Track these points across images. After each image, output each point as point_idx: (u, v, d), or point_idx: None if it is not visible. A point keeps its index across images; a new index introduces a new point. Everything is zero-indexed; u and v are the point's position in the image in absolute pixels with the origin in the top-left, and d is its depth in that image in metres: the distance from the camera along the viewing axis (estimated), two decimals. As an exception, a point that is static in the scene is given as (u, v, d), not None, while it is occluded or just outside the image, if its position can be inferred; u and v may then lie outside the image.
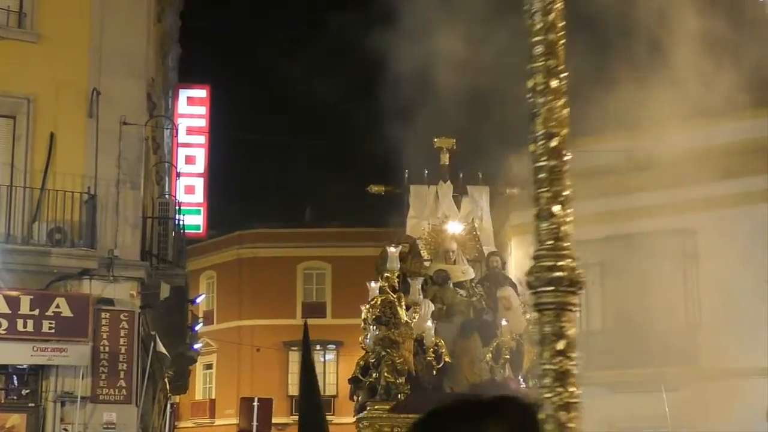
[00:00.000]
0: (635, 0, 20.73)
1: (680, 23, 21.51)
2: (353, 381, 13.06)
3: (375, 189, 14.61)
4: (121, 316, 19.39)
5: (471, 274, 13.78)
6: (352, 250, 38.78)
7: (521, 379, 13.03)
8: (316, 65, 62.93)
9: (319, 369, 41.99)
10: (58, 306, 18.88)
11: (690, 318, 25.94)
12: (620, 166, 27.42)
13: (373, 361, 12.54)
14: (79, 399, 18.73)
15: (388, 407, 12.21)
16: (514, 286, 13.60)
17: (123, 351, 19.29)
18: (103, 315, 19.29)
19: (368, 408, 12.46)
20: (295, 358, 44.00)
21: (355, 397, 13.14)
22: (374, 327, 12.59)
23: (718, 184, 25.65)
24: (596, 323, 26.62)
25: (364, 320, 12.85)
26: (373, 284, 13.22)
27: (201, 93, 29.18)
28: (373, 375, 12.63)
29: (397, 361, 12.08)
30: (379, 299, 12.62)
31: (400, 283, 12.84)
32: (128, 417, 19.32)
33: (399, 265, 12.69)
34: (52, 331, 18.75)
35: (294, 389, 43.67)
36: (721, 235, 25.77)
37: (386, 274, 12.78)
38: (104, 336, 19.23)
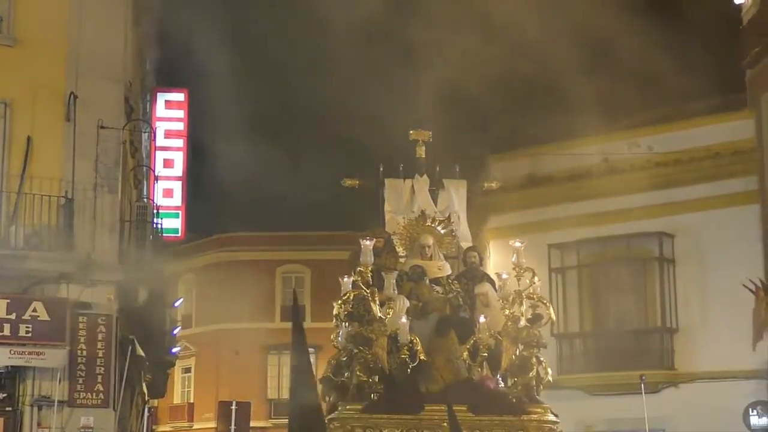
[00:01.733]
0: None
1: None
2: (324, 380, 12.61)
3: (349, 183, 14.00)
4: (99, 320, 19.33)
5: (448, 270, 13.39)
6: (331, 254, 38.70)
7: (500, 379, 12.59)
8: (295, 67, 62.87)
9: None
10: (35, 310, 18.80)
11: (667, 320, 26.04)
12: (598, 169, 27.55)
13: (344, 359, 12.18)
14: (56, 403, 18.67)
15: (360, 407, 11.74)
16: (492, 282, 12.89)
17: (100, 355, 19.23)
18: (80, 319, 19.22)
19: (339, 408, 11.98)
20: (274, 361, 43.96)
21: (327, 398, 12.63)
22: (346, 324, 12.21)
23: (696, 187, 25.81)
24: (573, 326, 26.71)
25: (336, 316, 12.37)
26: (345, 279, 12.84)
27: (179, 96, 29.11)
28: (345, 374, 11.99)
29: (370, 359, 11.67)
30: (352, 294, 12.26)
31: (374, 279, 12.35)
32: (106, 421, 19.25)
33: (373, 259, 12.22)
34: (29, 334, 18.66)
35: (273, 392, 43.64)
36: (698, 238, 25.92)
37: (359, 269, 12.31)
38: (82, 340, 19.16)
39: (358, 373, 11.70)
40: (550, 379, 12.23)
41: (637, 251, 26.69)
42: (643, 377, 23.05)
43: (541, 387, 12.19)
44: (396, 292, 12.44)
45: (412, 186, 13.98)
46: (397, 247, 13.33)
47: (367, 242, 12.30)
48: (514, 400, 11.94)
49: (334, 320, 12.73)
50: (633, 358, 26.16)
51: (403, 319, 12.01)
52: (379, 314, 11.97)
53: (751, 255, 25.03)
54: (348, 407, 11.79)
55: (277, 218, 48.92)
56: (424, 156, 14.18)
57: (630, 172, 27.00)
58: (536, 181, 27.96)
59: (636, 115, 30.64)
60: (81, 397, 19.08)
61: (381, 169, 14.10)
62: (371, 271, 12.29)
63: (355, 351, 11.78)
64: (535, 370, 12.02)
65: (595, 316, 27.14)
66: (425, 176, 14.07)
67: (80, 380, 19.08)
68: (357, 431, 11.60)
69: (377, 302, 12.04)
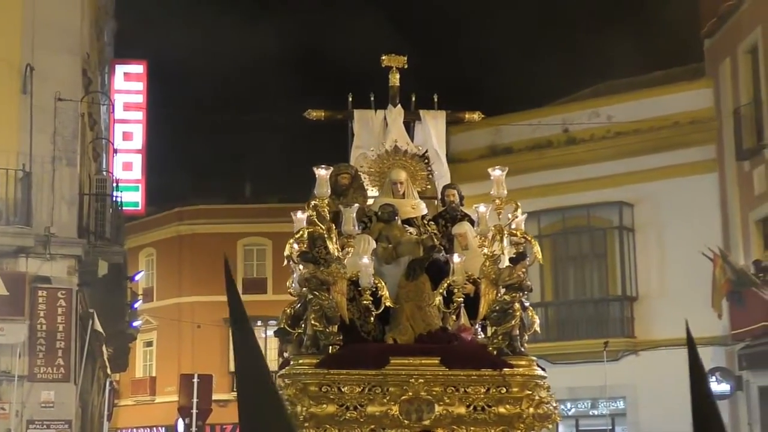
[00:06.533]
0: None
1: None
2: (280, 333, 10.97)
3: (314, 114, 12.37)
4: (59, 294, 19.22)
5: (423, 209, 11.71)
6: (293, 226, 38.46)
7: (479, 328, 10.97)
8: (255, 37, 62.64)
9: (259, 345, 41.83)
10: (-7, 284, 18.67)
11: (627, 289, 26.24)
12: (558, 140, 27.66)
13: (299, 307, 10.55)
14: (16, 378, 18.55)
15: (314, 361, 10.04)
16: (473, 222, 11.18)
17: (61, 329, 19.12)
18: (39, 293, 19.11)
19: (291, 363, 10.28)
20: (236, 334, 43.95)
21: (284, 352, 11.08)
22: (301, 266, 10.56)
23: (655, 156, 25.96)
24: (535, 296, 26.82)
25: (288, 257, 10.70)
26: (299, 214, 11.10)
27: (138, 68, 28.86)
28: (302, 324, 10.46)
29: (327, 306, 10.11)
30: (306, 231, 10.63)
31: (332, 215, 10.79)
32: (67, 395, 19.17)
33: (329, 191, 10.72)
34: (-12, 309, 18.53)
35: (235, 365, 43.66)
36: (658, 207, 26.11)
37: (314, 202, 10.62)
38: (41, 314, 19.04)
39: (312, 321, 10.11)
40: (537, 329, 10.85)
41: (597, 220, 26.85)
42: (607, 344, 23.28)
43: (526, 337, 10.67)
44: (357, 229, 10.93)
45: (385, 117, 12.46)
46: (366, 185, 11.82)
47: (322, 171, 10.64)
48: (494, 352, 10.32)
49: (286, 261, 10.76)
50: (593, 327, 26.37)
51: (365, 260, 10.44)
52: (337, 254, 10.41)
53: (710, 223, 25.26)
54: (301, 362, 10.12)
55: (238, 191, 48.83)
56: (398, 84, 12.50)
57: (590, 141, 27.13)
58: (497, 152, 28.02)
59: (595, 84, 30.77)
60: (41, 371, 18.97)
61: (350, 99, 12.53)
62: (332, 210, 10.85)
63: (310, 296, 10.16)
64: (518, 317, 10.37)
65: (555, 286, 27.29)
66: (399, 106, 12.48)
67: (40, 355, 18.97)
68: (311, 389, 10.00)
69: (335, 240, 10.49)
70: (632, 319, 26.14)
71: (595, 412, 26.36)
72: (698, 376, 6.00)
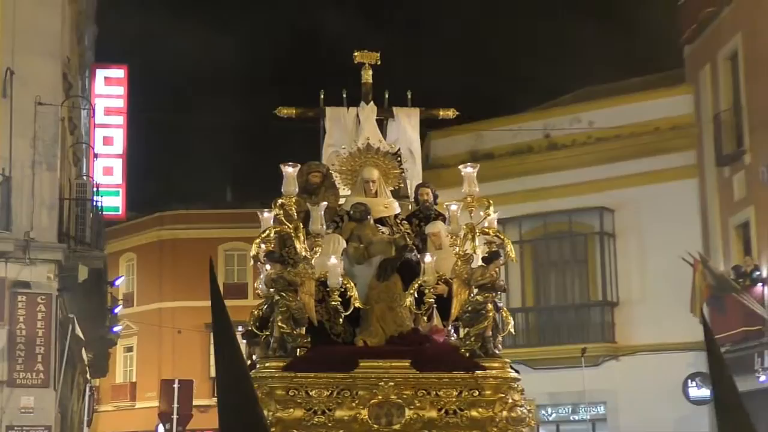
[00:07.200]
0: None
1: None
2: (247, 336, 10.64)
3: (285, 111, 12.15)
4: (38, 299, 19.10)
5: (396, 208, 11.43)
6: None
7: (452, 329, 10.70)
8: (235, 42, 62.63)
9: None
10: (-28, 289, 18.56)
11: (607, 294, 26.30)
12: (539, 145, 27.73)
13: (266, 308, 10.30)
14: (-6, 383, 18.47)
15: (282, 364, 9.80)
16: (445, 221, 10.84)
17: (40, 334, 19.01)
18: (19, 298, 18.99)
19: (258, 366, 10.03)
20: (216, 339, 43.86)
21: (252, 356, 10.68)
22: (268, 266, 10.27)
23: (636, 162, 26.05)
24: (516, 301, 26.88)
25: (254, 257, 10.44)
26: (266, 213, 10.76)
27: (118, 73, 28.73)
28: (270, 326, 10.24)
29: (294, 307, 9.89)
30: (273, 231, 10.39)
31: (303, 214, 10.53)
32: (46, 401, 19.06)
33: (297, 189, 10.46)
34: (-33, 314, 18.43)
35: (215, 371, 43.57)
36: (638, 213, 26.19)
37: (281, 201, 10.35)
38: (21, 319, 18.93)
39: (279, 323, 9.87)
40: (512, 330, 10.53)
41: (578, 226, 26.91)
42: (585, 350, 23.32)
43: (500, 338, 10.32)
44: (325, 227, 10.56)
45: (357, 114, 12.20)
46: (338, 185, 11.51)
47: (289, 169, 10.35)
48: (466, 354, 10.02)
49: (252, 261, 10.54)
50: (575, 332, 26.43)
51: (333, 260, 10.14)
52: (305, 253, 10.11)
53: (690, 228, 25.36)
54: (267, 365, 9.87)
55: (219, 195, 48.78)
56: (371, 81, 12.29)
57: (571, 147, 27.21)
58: (478, 157, 28.06)
59: (577, 90, 30.88)
60: (21, 377, 18.86)
61: (322, 96, 12.32)
62: (303, 210, 10.54)
63: (277, 298, 9.92)
64: (491, 318, 10.05)
65: (537, 291, 27.33)
66: (372, 104, 12.26)
67: (20, 360, 18.86)
68: (278, 393, 9.75)
69: (302, 239, 10.21)
70: (613, 324, 26.20)
71: (576, 417, 26.41)
72: (718, 366, 5.88)
